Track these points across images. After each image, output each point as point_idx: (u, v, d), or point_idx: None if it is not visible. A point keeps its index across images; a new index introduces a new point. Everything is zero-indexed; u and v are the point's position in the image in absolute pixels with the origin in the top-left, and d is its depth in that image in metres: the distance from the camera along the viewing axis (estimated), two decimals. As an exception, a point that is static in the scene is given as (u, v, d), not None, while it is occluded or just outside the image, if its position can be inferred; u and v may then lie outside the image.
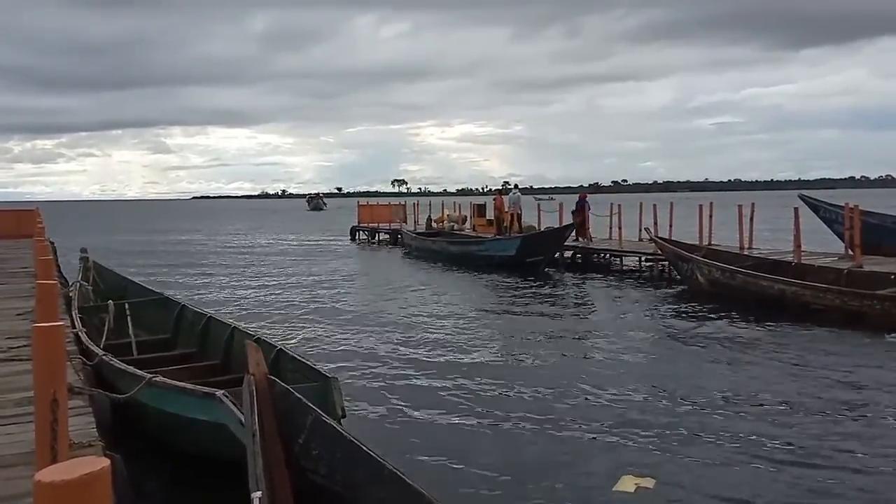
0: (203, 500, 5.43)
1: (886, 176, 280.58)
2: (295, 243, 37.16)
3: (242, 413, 4.67)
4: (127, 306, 9.00)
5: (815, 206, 20.88)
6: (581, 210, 22.76)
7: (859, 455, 6.11)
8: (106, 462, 1.29)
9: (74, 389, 4.96)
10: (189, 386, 5.45)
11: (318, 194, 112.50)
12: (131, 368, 6.26)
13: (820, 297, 12.04)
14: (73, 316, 8.70)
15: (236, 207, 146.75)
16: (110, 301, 8.95)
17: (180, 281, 20.09)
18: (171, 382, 5.60)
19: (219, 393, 5.01)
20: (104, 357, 6.68)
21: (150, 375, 5.72)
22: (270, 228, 53.73)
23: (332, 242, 36.16)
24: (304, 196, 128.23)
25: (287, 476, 3.58)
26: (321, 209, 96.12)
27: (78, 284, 10.26)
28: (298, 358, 6.26)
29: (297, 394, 3.77)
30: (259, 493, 3.14)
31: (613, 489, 5.41)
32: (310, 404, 3.73)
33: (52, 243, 16.43)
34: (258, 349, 3.93)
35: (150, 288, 10.85)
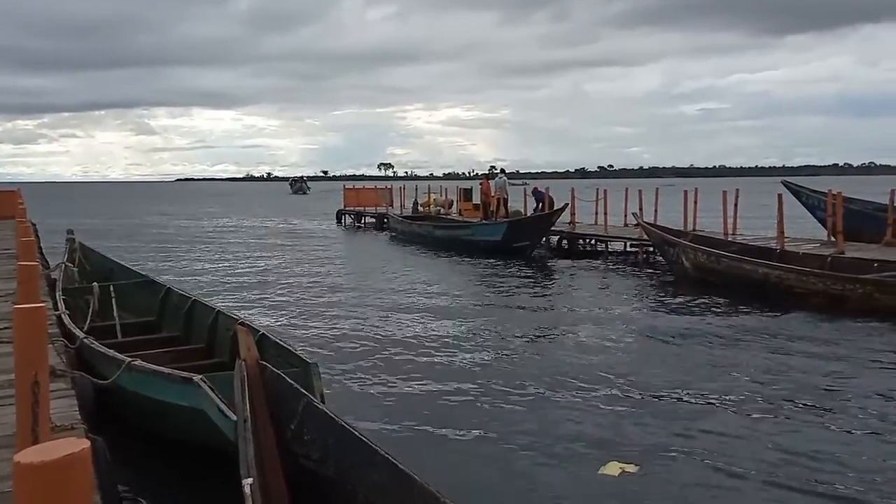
0: (188, 484, 5.41)
1: (869, 163, 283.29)
2: (278, 227, 36.95)
3: (221, 399, 4.64)
4: (112, 288, 8.91)
5: (798, 193, 21.04)
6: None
7: (839, 437, 6.19)
8: (86, 444, 1.28)
9: (56, 372, 4.91)
10: (167, 370, 5.40)
11: (301, 178, 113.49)
12: (112, 352, 6.19)
13: (803, 280, 12.17)
14: (57, 298, 8.57)
15: (220, 190, 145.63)
16: (95, 283, 8.84)
17: (162, 264, 19.93)
18: (150, 367, 5.55)
19: (197, 378, 4.95)
20: (86, 340, 6.62)
21: (129, 359, 5.66)
22: (254, 212, 53.36)
23: (316, 226, 36.00)
24: (289, 179, 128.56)
25: (279, 461, 3.56)
26: (304, 192, 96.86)
27: (63, 266, 10.08)
28: (281, 343, 6.23)
29: (288, 379, 3.75)
30: (250, 480, 3.11)
31: (598, 472, 5.46)
32: (301, 389, 3.71)
33: (33, 225, 16.25)
34: (249, 334, 3.87)
35: (137, 270, 10.75)
